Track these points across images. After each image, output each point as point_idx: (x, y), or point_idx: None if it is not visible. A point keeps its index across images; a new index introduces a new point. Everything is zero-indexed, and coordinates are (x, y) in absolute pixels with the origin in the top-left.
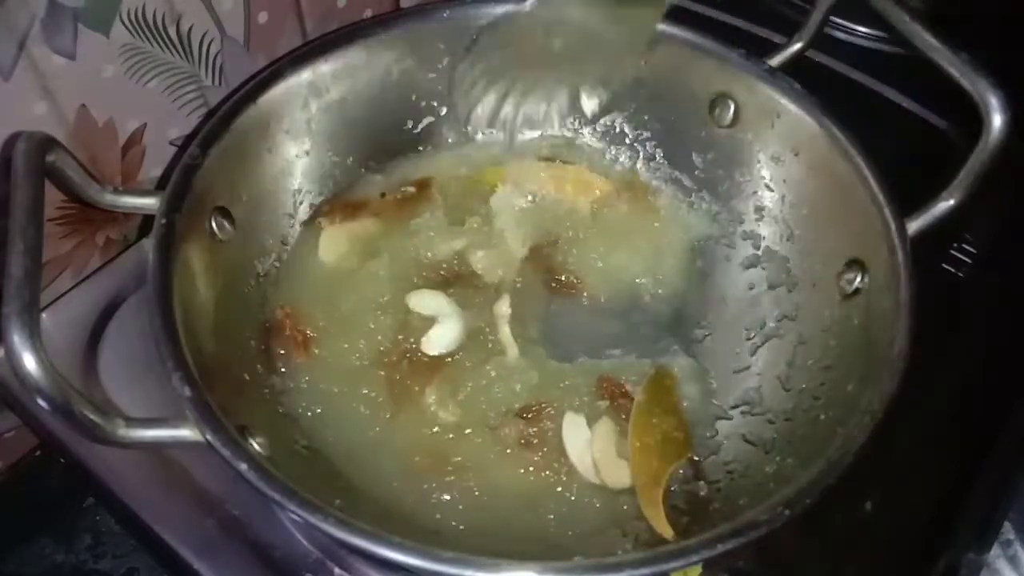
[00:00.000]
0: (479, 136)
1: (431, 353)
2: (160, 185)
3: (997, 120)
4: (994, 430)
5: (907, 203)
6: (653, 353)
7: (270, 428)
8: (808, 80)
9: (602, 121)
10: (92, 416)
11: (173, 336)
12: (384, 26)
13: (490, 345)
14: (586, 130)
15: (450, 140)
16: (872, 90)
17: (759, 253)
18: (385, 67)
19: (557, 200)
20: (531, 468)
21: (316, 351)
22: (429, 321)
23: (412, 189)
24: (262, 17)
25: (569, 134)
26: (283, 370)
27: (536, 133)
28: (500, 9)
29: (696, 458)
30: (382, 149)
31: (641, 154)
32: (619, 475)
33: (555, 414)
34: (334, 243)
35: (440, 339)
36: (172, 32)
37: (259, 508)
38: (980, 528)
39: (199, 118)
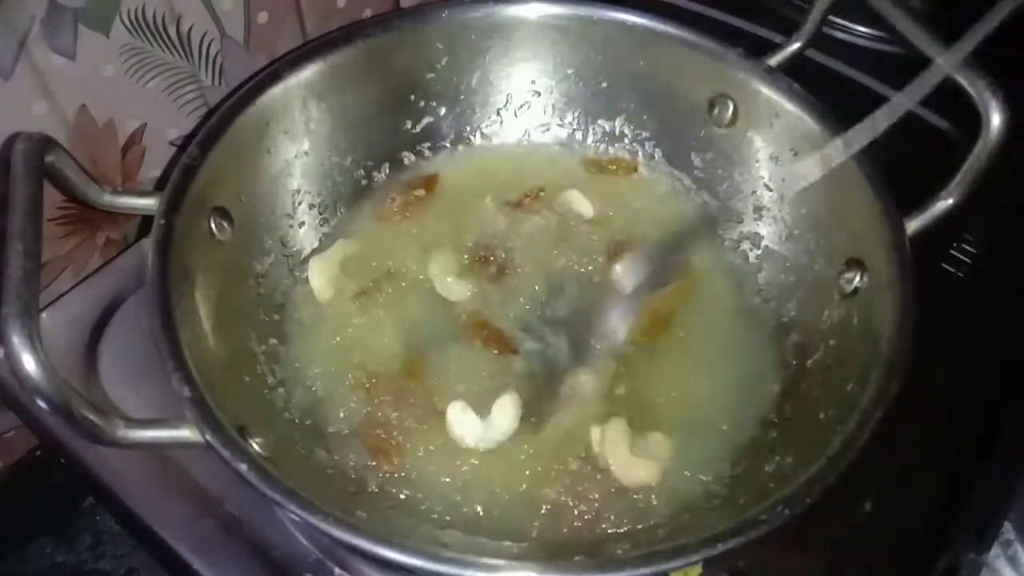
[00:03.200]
0: (479, 136)
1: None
2: (159, 185)
3: (996, 120)
4: (994, 430)
5: (907, 203)
6: None
7: (270, 428)
8: (808, 80)
9: (600, 121)
10: (92, 417)
11: (173, 336)
12: (384, 26)
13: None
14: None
15: (450, 140)
16: (872, 90)
17: (759, 253)
18: (385, 67)
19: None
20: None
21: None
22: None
23: (422, 192)
24: (262, 17)
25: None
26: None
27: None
28: (501, 11)
29: None
30: (382, 149)
31: (640, 154)
32: (635, 473)
33: None
34: (324, 274)
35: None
36: (172, 32)
37: (259, 508)
38: (980, 528)
39: (199, 118)
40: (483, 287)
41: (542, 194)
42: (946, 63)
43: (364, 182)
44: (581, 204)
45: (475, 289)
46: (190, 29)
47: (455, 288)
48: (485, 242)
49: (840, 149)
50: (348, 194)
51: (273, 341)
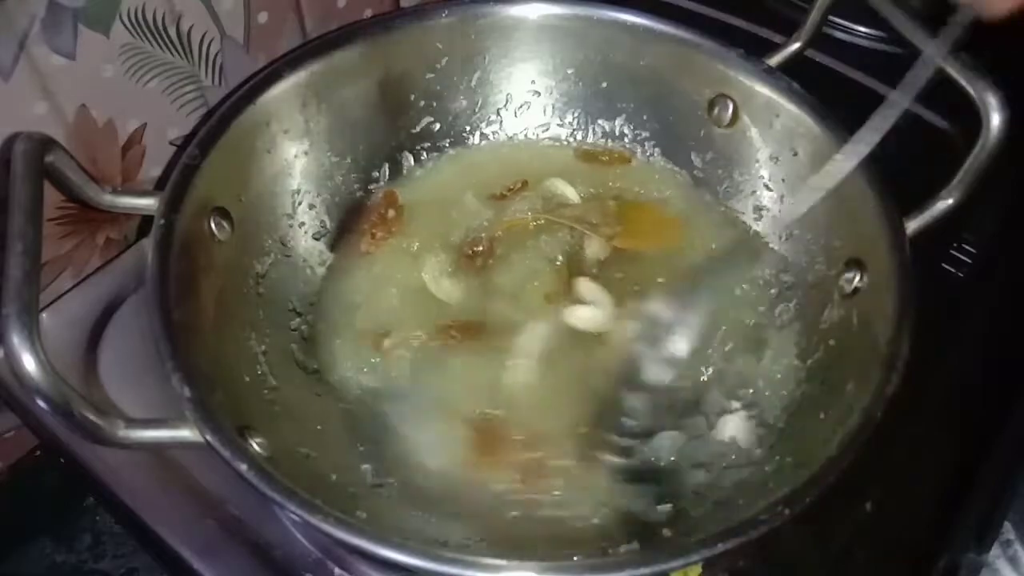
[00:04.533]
0: (476, 136)
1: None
2: (159, 185)
3: (996, 119)
4: (994, 430)
5: (907, 203)
6: None
7: (270, 428)
8: (808, 80)
9: (600, 121)
10: (92, 417)
11: (173, 336)
12: (384, 26)
13: None
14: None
15: (449, 140)
16: (872, 90)
17: None
18: (385, 67)
19: None
20: None
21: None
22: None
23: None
24: (262, 17)
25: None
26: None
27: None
28: (501, 11)
29: None
30: (381, 149)
31: (639, 154)
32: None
33: None
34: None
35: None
36: (172, 32)
37: (259, 508)
38: (980, 528)
39: (199, 118)
40: (473, 282)
41: (526, 184)
42: (945, 62)
43: (364, 182)
44: (566, 189)
45: (466, 285)
46: (190, 29)
47: (448, 287)
48: (472, 237)
49: (843, 162)
50: (348, 195)
51: None
